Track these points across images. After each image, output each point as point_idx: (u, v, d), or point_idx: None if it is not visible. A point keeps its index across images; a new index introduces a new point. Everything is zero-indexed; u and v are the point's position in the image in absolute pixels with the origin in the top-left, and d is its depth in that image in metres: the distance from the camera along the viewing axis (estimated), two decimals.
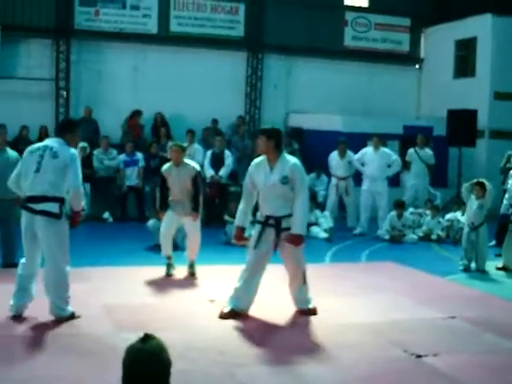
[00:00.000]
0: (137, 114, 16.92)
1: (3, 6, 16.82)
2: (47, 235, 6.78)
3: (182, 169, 9.40)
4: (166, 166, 9.60)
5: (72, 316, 7.00)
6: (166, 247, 9.58)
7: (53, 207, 6.73)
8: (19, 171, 7.05)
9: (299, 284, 7.54)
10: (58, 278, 6.89)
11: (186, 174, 9.37)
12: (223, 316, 7.26)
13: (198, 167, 9.67)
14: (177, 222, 9.61)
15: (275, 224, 7.23)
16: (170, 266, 9.57)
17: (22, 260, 7.05)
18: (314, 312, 7.57)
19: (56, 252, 6.84)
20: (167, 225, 9.53)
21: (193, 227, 9.50)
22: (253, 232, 7.54)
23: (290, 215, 7.21)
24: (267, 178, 7.23)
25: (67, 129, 7.20)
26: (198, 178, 9.45)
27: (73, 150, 7.01)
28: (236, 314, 7.30)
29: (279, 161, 7.26)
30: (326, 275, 9.49)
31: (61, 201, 6.80)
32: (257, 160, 7.49)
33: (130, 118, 16.88)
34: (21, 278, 6.99)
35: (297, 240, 7.20)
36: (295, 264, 7.43)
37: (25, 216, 6.86)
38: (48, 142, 7.14)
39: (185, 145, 15.15)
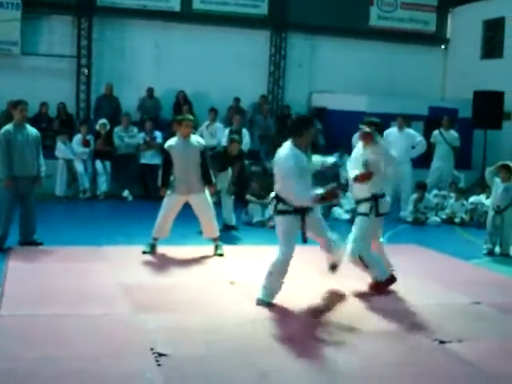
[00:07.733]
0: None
1: None
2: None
3: (190, 143, 9.16)
4: (171, 142, 9.25)
5: None
6: (164, 229, 9.26)
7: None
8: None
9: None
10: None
11: (194, 148, 9.15)
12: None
13: (203, 141, 9.53)
14: (180, 204, 9.29)
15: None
16: (152, 246, 9.28)
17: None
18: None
19: None
20: (170, 207, 9.20)
21: (202, 203, 9.20)
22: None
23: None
24: None
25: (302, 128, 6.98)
26: (205, 152, 9.36)
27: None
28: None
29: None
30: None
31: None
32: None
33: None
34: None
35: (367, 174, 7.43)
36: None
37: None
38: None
39: (206, 123, 15.29)
